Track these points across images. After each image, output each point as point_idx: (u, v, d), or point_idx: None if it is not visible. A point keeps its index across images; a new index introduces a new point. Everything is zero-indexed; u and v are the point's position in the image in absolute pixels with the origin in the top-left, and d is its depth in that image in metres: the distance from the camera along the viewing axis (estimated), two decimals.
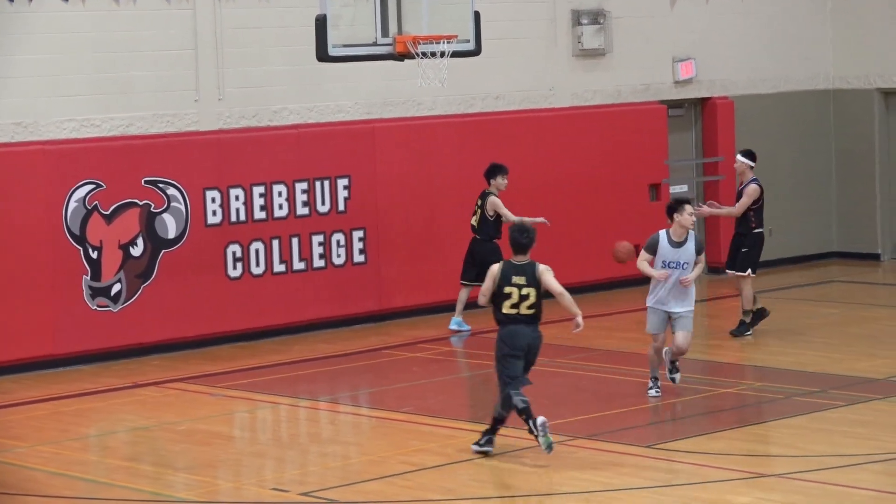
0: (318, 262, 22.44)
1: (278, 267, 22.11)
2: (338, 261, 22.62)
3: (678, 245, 17.65)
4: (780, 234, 27.62)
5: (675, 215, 17.67)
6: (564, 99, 25.23)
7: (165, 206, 21.15)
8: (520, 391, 14.96)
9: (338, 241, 22.63)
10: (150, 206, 21.06)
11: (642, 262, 17.77)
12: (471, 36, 19.33)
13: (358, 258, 22.81)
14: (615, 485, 14.50)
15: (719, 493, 14.15)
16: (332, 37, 18.19)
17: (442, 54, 18.87)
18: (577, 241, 24.87)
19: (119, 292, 20.87)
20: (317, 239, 22.43)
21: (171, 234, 21.21)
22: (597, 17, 25.43)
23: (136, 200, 20.99)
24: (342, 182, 22.67)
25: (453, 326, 22.37)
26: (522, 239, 15.41)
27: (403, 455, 15.79)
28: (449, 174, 23.61)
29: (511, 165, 23.94)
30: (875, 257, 28.42)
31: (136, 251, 21.00)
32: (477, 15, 19.45)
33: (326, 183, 22.54)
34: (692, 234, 17.80)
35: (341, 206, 22.65)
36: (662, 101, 26.28)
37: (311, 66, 19.61)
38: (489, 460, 14.75)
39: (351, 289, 22.72)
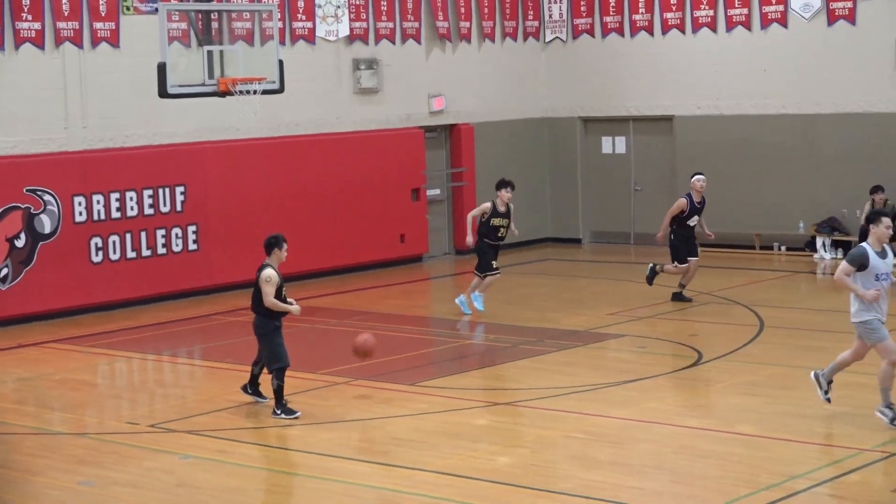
0: (161, 250, 22.18)
1: (130, 254, 21.82)
2: (176, 249, 22.39)
3: (882, 255, 13.40)
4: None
5: (872, 227, 13.48)
6: (348, 125, 25.21)
7: (42, 208, 20.79)
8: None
9: (176, 234, 22.39)
10: (31, 208, 20.68)
11: (845, 278, 13.35)
12: (276, 78, 19.23)
13: (192, 247, 22.61)
14: (388, 413, 14.59)
15: (464, 417, 14.31)
16: (171, 79, 18.00)
17: (254, 92, 18.79)
18: (357, 232, 24.91)
19: (6, 275, 20.50)
20: (160, 232, 22.17)
21: (47, 230, 20.85)
22: (371, 63, 25.47)
23: (19, 204, 20.58)
24: (179, 189, 22.44)
25: (471, 304, 20.54)
26: (265, 242, 14.82)
27: (228, 395, 15.72)
28: (261, 183, 23.51)
29: (307, 176, 24.03)
30: (577, 241, 28.87)
31: (20, 243, 20.61)
32: (281, 63, 19.38)
33: (167, 190, 22.30)
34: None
35: (179, 208, 22.42)
36: (421, 127, 26.39)
37: (154, 101, 19.36)
38: (293, 397, 14.75)
39: (186, 270, 22.53)
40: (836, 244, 25.50)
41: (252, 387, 15.15)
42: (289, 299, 14.70)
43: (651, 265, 21.38)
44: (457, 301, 20.60)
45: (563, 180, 28.93)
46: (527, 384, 15.81)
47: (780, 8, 25.87)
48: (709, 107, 26.90)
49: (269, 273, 14.44)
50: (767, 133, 26.21)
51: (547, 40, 28.64)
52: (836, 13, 25.27)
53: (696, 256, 21.19)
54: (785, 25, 25.84)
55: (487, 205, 20.44)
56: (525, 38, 28.39)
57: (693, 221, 20.91)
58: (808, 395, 14.86)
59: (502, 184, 20.52)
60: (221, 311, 21.44)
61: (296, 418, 14.27)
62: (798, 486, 11.54)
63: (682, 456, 12.72)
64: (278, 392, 14.39)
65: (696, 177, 20.97)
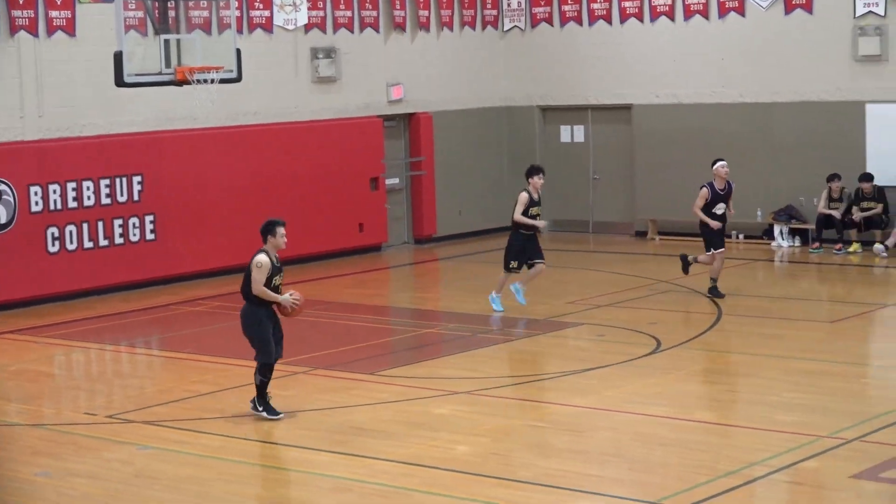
0: (119, 240, 22.03)
1: (87, 244, 21.66)
2: (134, 238, 22.23)
3: None
4: (469, 213, 28.02)
5: None
6: (306, 114, 25.13)
7: None
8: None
9: (133, 224, 22.24)
10: None
11: None
12: (234, 67, 19.15)
13: (149, 236, 22.47)
14: (347, 402, 14.58)
15: (424, 406, 14.31)
16: (127, 68, 17.88)
17: (212, 81, 18.70)
18: (316, 221, 24.83)
19: None
20: (117, 222, 22.02)
21: (3, 220, 20.67)
22: (329, 52, 25.39)
23: None
24: (136, 179, 22.30)
25: (512, 289, 19.59)
26: (260, 229, 13.92)
27: (185, 385, 15.68)
28: (219, 172, 23.41)
29: (265, 166, 23.94)
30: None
31: None
32: (238, 51, 19.28)
33: (124, 179, 22.16)
34: None
35: (136, 198, 22.27)
36: (379, 116, 26.33)
37: (111, 90, 19.26)
38: (251, 389, 14.69)
39: (144, 260, 22.39)
40: (793, 232, 25.62)
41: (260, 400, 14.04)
42: (290, 292, 13.94)
43: (682, 255, 20.83)
44: (511, 288, 19.53)
45: (521, 169, 28.64)
46: (486, 373, 15.82)
47: None
48: (667, 95, 26.96)
49: (260, 258, 13.62)
50: (725, 122, 26.29)
51: (505, 29, 28.62)
52: (793, 2, 25.34)
53: (723, 248, 20.32)
54: (742, 14, 25.91)
55: (525, 195, 19.23)
56: (483, 27, 28.36)
57: (720, 209, 20.09)
58: (766, 383, 14.95)
59: (534, 170, 19.58)
60: (179, 301, 21.35)
61: (278, 419, 13.81)
62: (756, 472, 11.60)
63: (641, 443, 12.75)
64: (260, 387, 13.85)
65: (719, 163, 20.18)
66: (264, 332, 13.75)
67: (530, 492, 11.32)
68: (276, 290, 13.75)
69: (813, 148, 25.39)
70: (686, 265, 20.72)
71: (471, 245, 26.91)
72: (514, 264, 19.32)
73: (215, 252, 23.25)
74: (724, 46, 26.22)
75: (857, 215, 24.44)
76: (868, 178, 24.27)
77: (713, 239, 20.17)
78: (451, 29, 27.66)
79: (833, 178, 24.67)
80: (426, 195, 27.19)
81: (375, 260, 25.41)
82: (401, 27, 26.64)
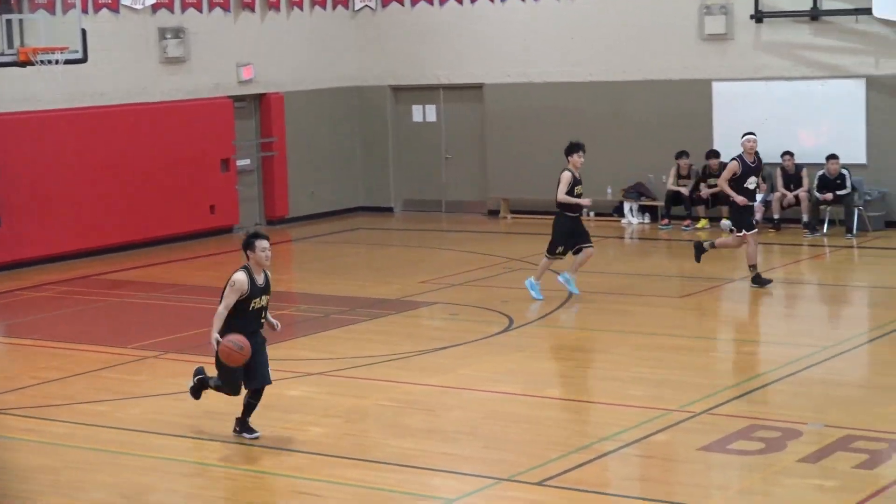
0: None
1: None
2: None
3: None
4: (322, 194, 27.95)
5: None
6: (155, 95, 24.80)
7: None
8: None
9: None
10: None
11: None
12: (79, 47, 18.88)
13: None
14: None
15: (277, 389, 14.14)
16: None
17: (56, 62, 18.40)
18: (166, 203, 24.57)
19: None
20: None
21: None
22: (178, 32, 25.07)
23: None
24: None
25: (561, 280, 18.71)
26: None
27: (33, 372, 15.39)
28: (66, 154, 23.02)
29: (113, 147, 23.61)
30: (389, 210, 28.91)
31: None
32: (84, 32, 19.00)
33: None
34: None
35: None
36: (230, 97, 26.10)
37: None
38: (104, 372, 14.45)
39: None
40: (643, 209, 25.98)
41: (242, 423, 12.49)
42: (271, 319, 12.45)
43: (696, 243, 19.80)
44: (560, 279, 18.64)
45: (373, 149, 28.91)
46: (339, 353, 15.78)
47: None
48: (518, 74, 27.11)
49: (237, 277, 11.92)
50: (576, 100, 26.53)
51: (356, 9, 28.52)
52: None
53: (755, 229, 19.12)
54: None
55: (568, 174, 18.16)
56: (334, 7, 28.23)
57: (751, 184, 18.89)
58: (617, 358, 15.13)
59: (574, 147, 18.31)
60: (26, 287, 20.95)
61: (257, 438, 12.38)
62: (607, 447, 11.73)
63: (494, 421, 12.81)
64: (203, 384, 12.63)
65: (746, 136, 19.13)
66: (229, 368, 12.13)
67: (385, 472, 11.32)
68: (258, 313, 12.12)
69: (662, 126, 25.75)
70: (700, 252, 19.52)
71: (323, 226, 26.84)
72: (560, 249, 18.45)
73: (62, 236, 22.89)
74: (574, 26, 26.44)
75: (704, 192, 24.88)
76: (715, 154, 24.69)
77: (743, 218, 18.94)
78: (301, 8, 27.50)
79: (681, 155, 25.05)
80: (278, 176, 27.03)
81: (227, 242, 25.15)
82: (250, 7, 26.41)
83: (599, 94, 26.35)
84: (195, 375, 12.82)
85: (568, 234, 18.45)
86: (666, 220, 25.36)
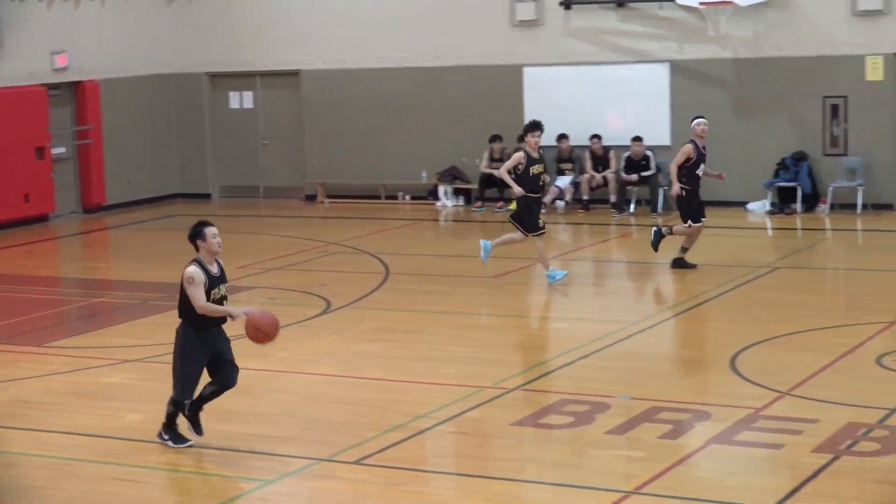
0: None
1: None
2: None
3: None
4: (139, 181, 27.60)
5: None
6: None
7: None
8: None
9: None
10: None
11: None
12: None
13: None
14: (16, 376, 14.14)
15: (95, 376, 14.03)
16: None
17: None
18: None
19: None
20: None
21: None
22: None
23: None
24: None
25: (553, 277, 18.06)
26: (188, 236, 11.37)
27: None
28: None
29: None
30: (207, 196, 28.68)
31: None
32: None
33: None
34: None
35: None
36: (44, 84, 25.59)
37: None
38: None
39: None
40: (457, 192, 26.19)
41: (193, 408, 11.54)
42: (227, 304, 11.46)
43: (655, 229, 18.97)
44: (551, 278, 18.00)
45: (190, 136, 28.63)
46: (157, 340, 15.58)
47: None
48: (333, 61, 27.08)
49: (190, 270, 11.09)
50: (391, 86, 26.61)
51: None
52: None
53: (706, 217, 18.63)
54: None
55: (520, 154, 17.58)
56: None
57: (701, 171, 18.24)
58: (433, 338, 15.26)
59: (531, 126, 17.69)
60: None
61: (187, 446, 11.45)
62: (423, 425, 11.83)
63: (313, 403, 12.84)
64: (171, 416, 11.53)
65: (697, 120, 18.43)
66: (187, 365, 11.27)
67: (204, 456, 11.26)
68: (219, 303, 11.25)
69: (475, 110, 25.97)
70: (658, 239, 18.75)
71: (141, 213, 26.52)
72: (541, 222, 17.87)
73: None
74: (389, 12, 26.49)
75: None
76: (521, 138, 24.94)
77: (693, 208, 18.42)
78: None
79: (494, 139, 25.30)
80: (94, 164, 26.60)
81: (43, 230, 24.72)
82: None
83: (413, 79, 26.47)
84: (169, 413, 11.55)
85: (534, 214, 17.82)
86: (479, 203, 25.62)
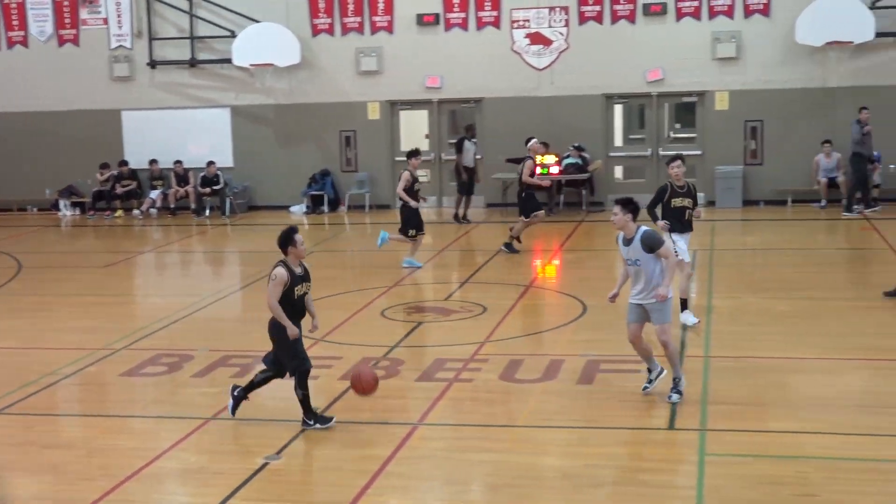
0: None
1: None
2: None
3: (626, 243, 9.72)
4: None
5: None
6: None
7: None
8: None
9: None
10: None
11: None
12: None
13: None
14: None
15: None
16: None
17: None
18: None
19: None
20: None
21: None
22: None
23: None
24: None
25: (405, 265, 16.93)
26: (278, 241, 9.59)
27: None
28: None
29: None
30: None
31: None
32: None
33: None
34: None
35: None
36: None
37: None
38: None
39: None
40: (74, 204, 25.09)
41: (244, 391, 9.92)
42: (311, 309, 9.73)
43: (507, 243, 17.84)
44: (405, 263, 16.89)
45: None
46: None
47: None
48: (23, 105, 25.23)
49: (277, 271, 9.48)
50: (26, 125, 25.05)
51: None
52: None
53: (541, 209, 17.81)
54: None
55: (407, 174, 16.50)
56: None
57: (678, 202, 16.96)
58: (57, 315, 14.52)
59: (414, 153, 16.78)
60: None
61: (331, 426, 9.61)
62: (51, 380, 11.24)
63: None
64: (304, 401, 9.66)
65: (532, 141, 18.02)
66: (292, 343, 9.55)
67: None
68: (301, 300, 9.58)
69: (86, 144, 24.91)
70: (511, 244, 17.81)
71: None
72: (412, 232, 16.79)
73: None
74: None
75: (120, 189, 24.42)
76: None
77: (532, 204, 17.66)
78: None
79: (121, 163, 24.31)
80: None
81: None
82: None
83: (36, 121, 25.05)
84: (233, 392, 9.94)
85: (412, 220, 16.87)
86: (92, 211, 24.59)
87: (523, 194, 17.58)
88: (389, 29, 23.79)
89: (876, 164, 21.67)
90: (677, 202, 12.18)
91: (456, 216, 22.07)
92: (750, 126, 22.68)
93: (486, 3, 23.42)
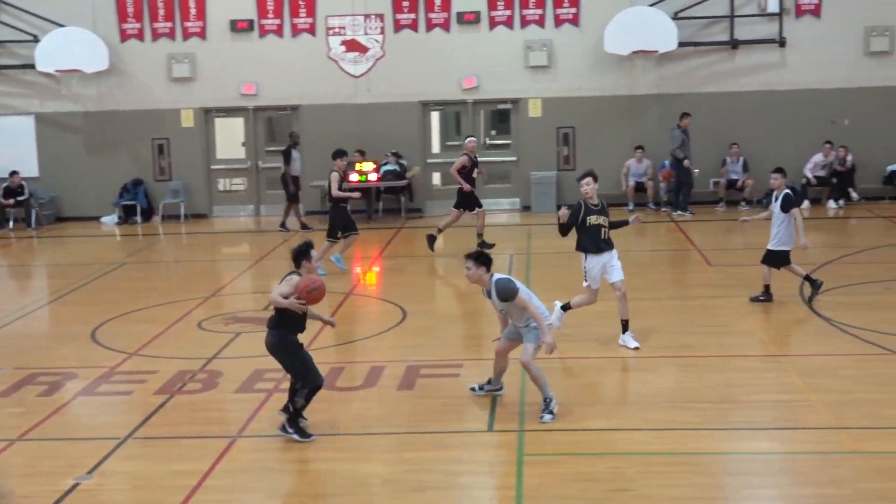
0: None
1: None
2: None
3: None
4: None
5: None
6: None
7: None
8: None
9: None
10: None
11: None
12: None
13: None
14: None
15: None
16: None
17: None
18: None
19: None
20: None
21: None
22: None
23: None
24: None
25: (333, 259, 16.74)
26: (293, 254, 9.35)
27: None
28: None
29: None
30: None
31: None
32: None
33: None
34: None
35: None
36: None
37: None
38: None
39: None
40: None
41: (296, 415, 9.44)
42: (317, 315, 9.57)
43: (429, 235, 18.09)
44: (332, 259, 16.66)
45: None
46: None
47: None
48: None
49: (293, 276, 9.18)
50: None
51: None
52: None
53: (481, 206, 18.16)
54: None
55: (336, 174, 16.28)
56: None
57: (475, 174, 18.16)
58: None
59: (340, 153, 16.51)
60: None
61: (310, 441, 9.30)
62: None
63: None
64: (296, 417, 9.37)
65: (469, 139, 18.45)
66: (303, 356, 9.30)
67: None
68: (304, 316, 9.34)
69: None
70: (432, 240, 18.03)
71: None
72: (339, 234, 16.47)
73: None
74: None
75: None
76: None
77: (470, 200, 17.97)
78: None
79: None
80: None
81: None
82: None
83: None
84: (285, 413, 9.41)
85: (342, 222, 16.55)
86: None
87: (332, 209, 16.79)
88: (202, 35, 23.37)
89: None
90: (592, 220, 11.59)
91: (283, 224, 21.80)
92: (562, 132, 23.31)
93: (300, 10, 23.30)
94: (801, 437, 9.05)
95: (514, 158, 23.60)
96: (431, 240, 18.07)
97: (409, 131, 23.40)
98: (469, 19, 23.12)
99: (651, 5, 22.43)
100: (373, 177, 22.30)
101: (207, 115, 23.77)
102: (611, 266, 11.63)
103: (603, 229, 11.66)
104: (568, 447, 8.94)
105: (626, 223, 11.96)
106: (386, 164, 22.94)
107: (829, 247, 17.53)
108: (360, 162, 22.35)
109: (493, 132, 24.78)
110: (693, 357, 11.38)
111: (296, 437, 9.28)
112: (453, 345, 12.32)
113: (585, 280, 11.72)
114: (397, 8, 23.20)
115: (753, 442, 9.02)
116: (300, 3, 23.26)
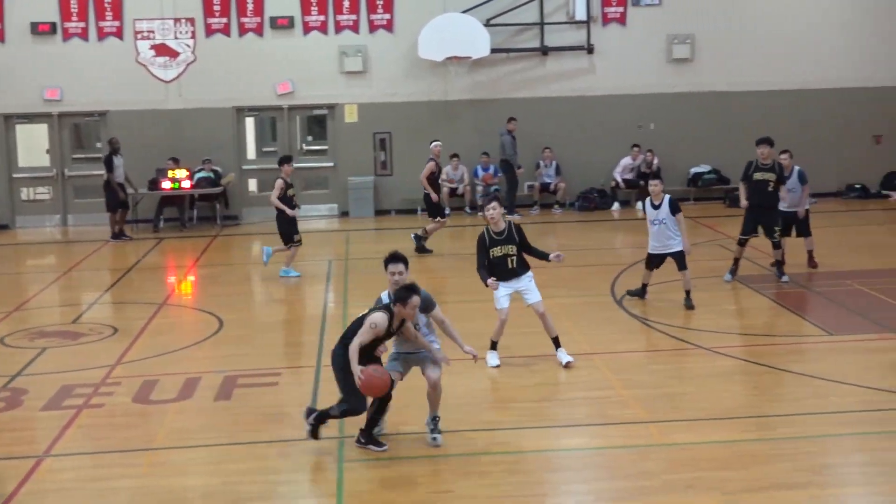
0: None
1: None
2: None
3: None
4: None
5: None
6: None
7: None
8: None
9: None
10: None
11: None
12: None
13: None
14: None
15: None
16: None
17: None
18: None
19: None
20: None
21: None
22: None
23: None
24: None
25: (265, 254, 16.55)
26: (397, 295, 8.86)
27: None
28: None
29: None
30: None
31: None
32: None
33: None
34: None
35: None
36: None
37: None
38: None
39: None
40: None
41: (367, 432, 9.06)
42: (379, 354, 9.01)
43: (414, 235, 18.16)
44: (282, 273, 16.29)
45: None
46: None
47: None
48: None
49: (377, 318, 8.65)
50: None
51: None
52: None
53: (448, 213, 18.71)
54: None
55: (280, 181, 15.98)
56: None
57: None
58: None
59: (286, 159, 16.26)
60: None
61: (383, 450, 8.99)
62: None
63: None
64: (323, 418, 9.00)
65: (434, 143, 18.59)
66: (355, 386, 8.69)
67: None
68: (373, 350, 8.86)
69: None
70: (421, 241, 18.04)
71: None
72: (297, 237, 16.28)
73: None
74: None
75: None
76: None
77: (438, 206, 18.32)
78: None
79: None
80: None
81: None
82: None
83: None
84: (309, 416, 9.05)
85: (288, 229, 16.25)
86: None
87: (277, 217, 16.34)
88: (0, 38, 22.39)
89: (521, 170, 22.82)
90: (496, 252, 10.82)
91: (119, 234, 20.98)
92: (379, 138, 23.40)
93: (107, 13, 22.62)
94: (613, 432, 9.36)
95: (331, 164, 23.56)
96: (419, 241, 18.06)
97: (224, 137, 23.04)
98: (283, 24, 22.95)
99: (463, 12, 22.78)
100: (186, 184, 21.85)
101: (8, 121, 22.80)
102: (525, 290, 10.98)
103: (510, 258, 10.91)
104: (388, 452, 8.96)
105: (546, 256, 10.99)
106: (200, 170, 22.50)
107: (639, 247, 18.18)
108: (173, 169, 21.87)
109: (310, 138, 24.66)
110: (510, 357, 11.59)
111: (372, 447, 8.98)
112: (271, 353, 12.19)
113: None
114: (208, 12, 22.82)
115: (569, 439, 9.27)
116: (106, 5, 22.59)
